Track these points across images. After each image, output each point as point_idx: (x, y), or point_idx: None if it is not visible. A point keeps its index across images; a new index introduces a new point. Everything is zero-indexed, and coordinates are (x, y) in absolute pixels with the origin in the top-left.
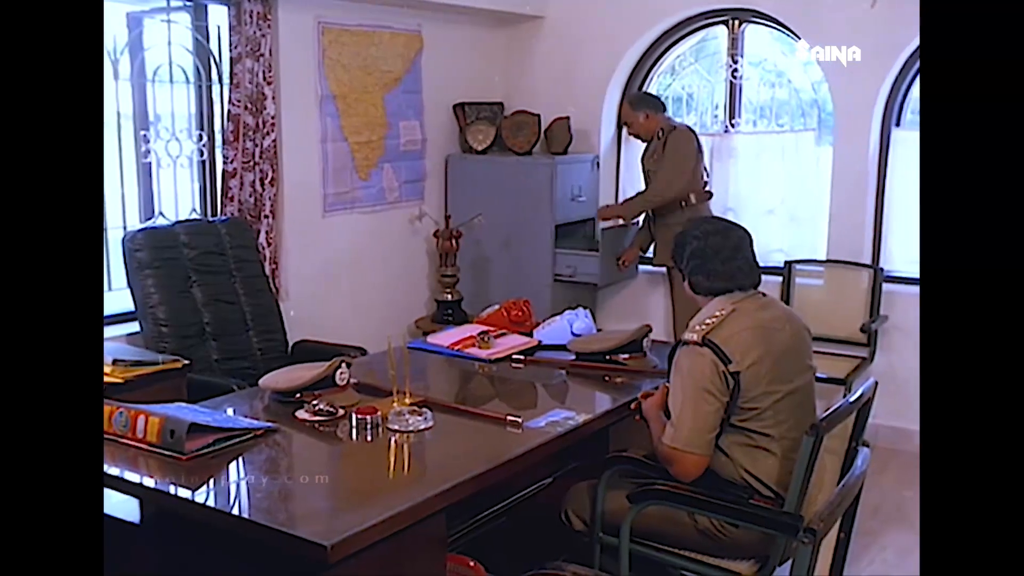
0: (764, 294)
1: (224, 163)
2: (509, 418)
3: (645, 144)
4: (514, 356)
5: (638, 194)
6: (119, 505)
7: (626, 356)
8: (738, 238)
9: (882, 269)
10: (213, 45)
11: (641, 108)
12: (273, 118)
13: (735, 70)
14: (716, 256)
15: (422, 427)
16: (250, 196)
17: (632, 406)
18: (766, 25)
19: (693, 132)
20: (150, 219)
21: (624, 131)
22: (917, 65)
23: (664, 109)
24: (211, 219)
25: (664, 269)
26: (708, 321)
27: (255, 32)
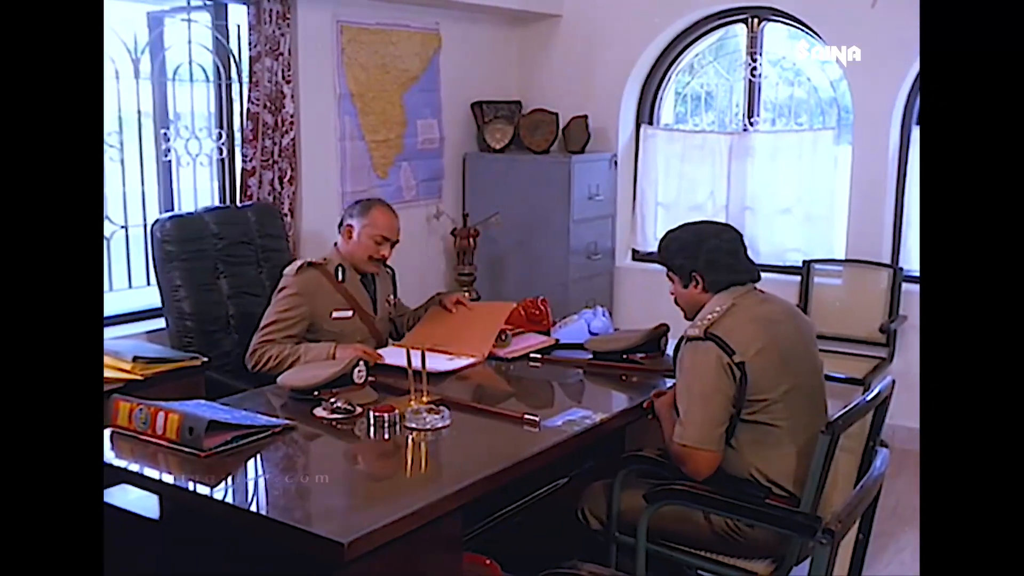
0: (762, 291)
1: (243, 161)
2: (526, 417)
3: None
4: (531, 355)
5: None
6: (139, 501)
7: (643, 355)
8: (735, 234)
9: (902, 269)
10: (233, 44)
11: None
12: (292, 117)
13: (754, 68)
14: (724, 251)
15: (439, 425)
16: (269, 194)
17: (645, 405)
18: (785, 23)
19: None
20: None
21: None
22: None
23: None
24: (240, 205)
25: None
26: (709, 316)
27: (274, 31)
